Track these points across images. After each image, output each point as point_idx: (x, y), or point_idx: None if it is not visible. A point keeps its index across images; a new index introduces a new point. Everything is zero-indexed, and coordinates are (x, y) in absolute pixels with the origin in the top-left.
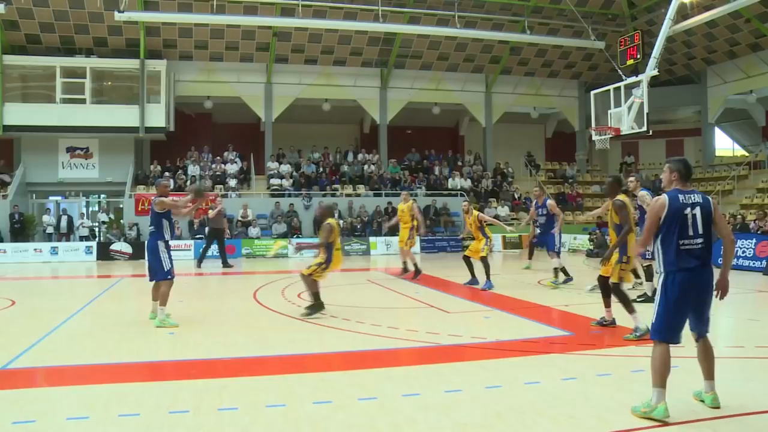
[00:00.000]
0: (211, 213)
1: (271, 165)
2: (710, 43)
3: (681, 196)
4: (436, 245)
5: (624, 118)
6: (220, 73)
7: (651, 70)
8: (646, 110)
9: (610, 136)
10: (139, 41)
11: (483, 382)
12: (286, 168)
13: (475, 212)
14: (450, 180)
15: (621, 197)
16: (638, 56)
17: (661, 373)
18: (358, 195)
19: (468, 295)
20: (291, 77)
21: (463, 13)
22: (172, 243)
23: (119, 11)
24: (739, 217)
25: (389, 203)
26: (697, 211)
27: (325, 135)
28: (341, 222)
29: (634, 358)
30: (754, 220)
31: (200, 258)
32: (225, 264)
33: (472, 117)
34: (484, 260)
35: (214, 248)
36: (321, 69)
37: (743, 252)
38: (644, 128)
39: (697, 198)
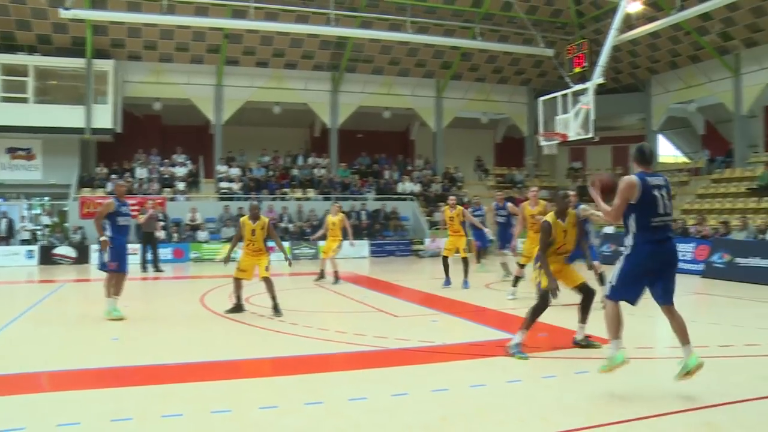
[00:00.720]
0: (142, 218)
1: (221, 168)
2: (654, 54)
3: (648, 179)
4: (385, 249)
5: (571, 125)
6: (170, 74)
7: (597, 78)
8: (592, 117)
9: (558, 141)
10: (85, 40)
11: (429, 385)
12: (235, 171)
13: (461, 207)
14: (400, 184)
15: (550, 218)
16: (585, 64)
17: (615, 327)
18: (308, 199)
19: (416, 299)
20: (242, 80)
21: (415, 18)
22: None
23: (64, 8)
24: (680, 222)
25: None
26: (663, 191)
27: (276, 138)
28: (291, 226)
29: (578, 360)
30: (694, 225)
31: (142, 263)
32: (156, 268)
33: (422, 122)
34: (465, 261)
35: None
36: (272, 72)
37: (683, 255)
38: (591, 134)
39: (660, 181)
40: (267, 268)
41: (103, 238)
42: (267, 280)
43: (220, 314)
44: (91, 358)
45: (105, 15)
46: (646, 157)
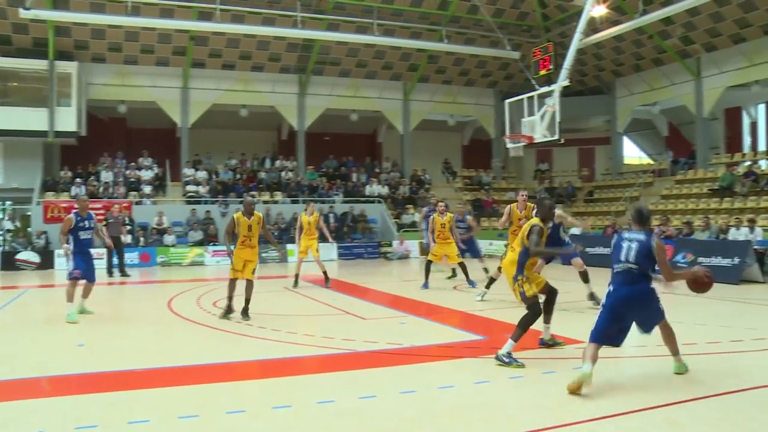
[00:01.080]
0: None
1: (187, 171)
2: (618, 57)
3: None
4: (353, 252)
5: (537, 127)
6: (135, 76)
7: (563, 80)
8: (558, 119)
9: (524, 143)
10: (47, 41)
11: (398, 387)
12: (202, 174)
13: (451, 215)
14: (367, 187)
15: (538, 221)
16: (551, 67)
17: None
18: (276, 202)
19: (384, 301)
20: (208, 82)
21: (382, 21)
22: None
23: (24, 8)
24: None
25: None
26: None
27: (243, 141)
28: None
29: (545, 360)
30: (658, 226)
31: (108, 268)
32: (123, 273)
33: (389, 124)
34: (463, 265)
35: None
36: (239, 74)
37: None
38: (556, 136)
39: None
40: (254, 271)
41: (64, 248)
42: (250, 283)
43: (188, 318)
44: (56, 364)
45: (67, 16)
46: (643, 219)
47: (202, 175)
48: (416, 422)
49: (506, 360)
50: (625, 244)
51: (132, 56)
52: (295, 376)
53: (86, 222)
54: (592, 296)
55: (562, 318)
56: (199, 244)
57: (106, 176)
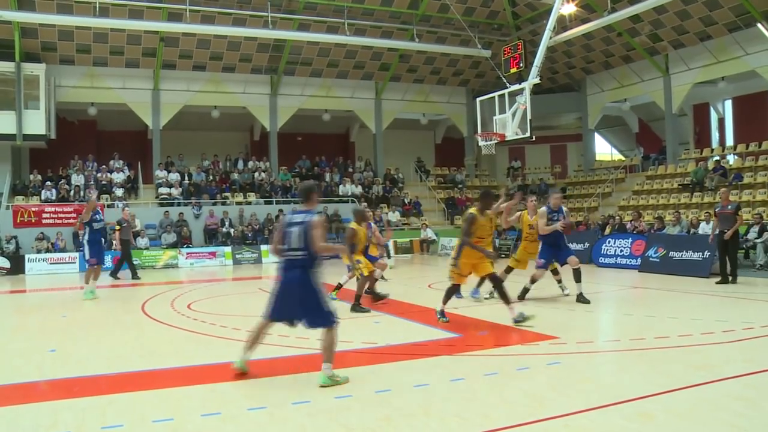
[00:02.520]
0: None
1: (160, 173)
2: (588, 54)
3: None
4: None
5: (509, 125)
6: (105, 78)
7: (533, 78)
8: (529, 116)
9: (496, 141)
10: (13, 42)
11: (373, 386)
12: (174, 176)
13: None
14: (341, 186)
15: (473, 210)
16: (521, 65)
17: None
18: (249, 203)
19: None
20: (179, 84)
21: (353, 20)
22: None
23: None
24: (617, 218)
25: (280, 210)
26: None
27: (215, 142)
28: (232, 230)
29: (519, 357)
30: (630, 221)
31: (132, 271)
32: (134, 275)
33: (362, 123)
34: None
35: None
36: (210, 75)
37: (621, 251)
38: (528, 134)
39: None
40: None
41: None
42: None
43: (162, 321)
44: (26, 371)
45: (33, 17)
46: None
47: (174, 177)
48: (392, 421)
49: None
50: (289, 229)
51: (101, 58)
52: (270, 377)
53: (98, 215)
54: (581, 297)
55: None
56: (173, 246)
57: (77, 179)
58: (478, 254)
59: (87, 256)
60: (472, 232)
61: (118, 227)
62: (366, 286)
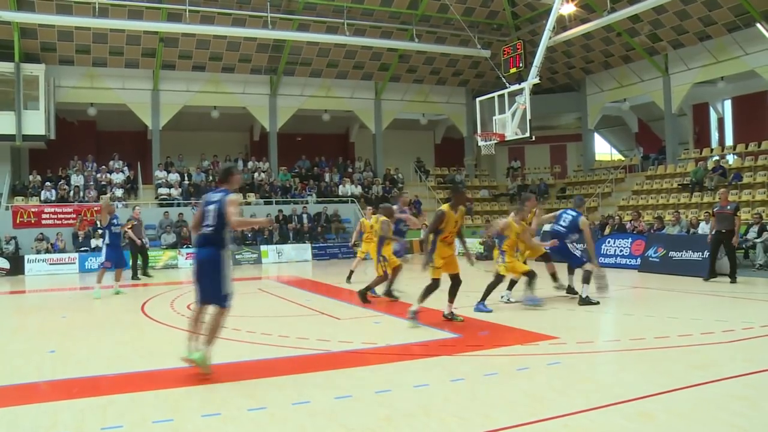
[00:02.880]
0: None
1: (159, 174)
2: (587, 54)
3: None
4: (327, 252)
5: (508, 125)
6: (104, 79)
7: (533, 78)
8: (529, 116)
9: (495, 141)
10: (13, 43)
11: (373, 386)
12: (174, 177)
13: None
14: (341, 186)
15: (445, 208)
16: (521, 65)
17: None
18: (249, 203)
19: (358, 301)
20: (178, 84)
21: (352, 20)
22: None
23: None
24: (617, 218)
25: (280, 211)
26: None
27: (215, 143)
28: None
29: (519, 357)
30: (630, 221)
31: (133, 271)
32: (145, 273)
33: (362, 124)
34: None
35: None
36: (209, 76)
37: (621, 251)
38: (527, 134)
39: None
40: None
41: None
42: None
43: (162, 322)
44: (26, 372)
45: (32, 17)
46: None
47: (174, 177)
48: (392, 421)
49: (409, 316)
50: (206, 207)
51: (101, 58)
52: (271, 377)
53: (115, 219)
54: (571, 289)
55: (535, 314)
56: (173, 246)
57: (77, 180)
58: (450, 250)
59: (103, 258)
60: (440, 229)
61: (130, 226)
62: (385, 282)
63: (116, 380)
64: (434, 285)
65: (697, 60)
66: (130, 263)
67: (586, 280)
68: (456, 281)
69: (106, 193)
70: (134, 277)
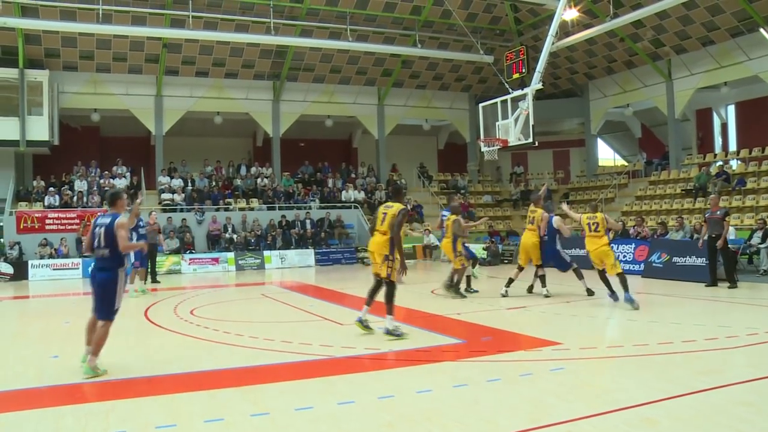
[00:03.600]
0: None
1: (163, 179)
2: (590, 59)
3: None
4: (330, 257)
5: (511, 130)
6: (108, 84)
7: (536, 83)
8: (531, 122)
9: (498, 147)
10: (17, 49)
11: (375, 392)
12: (177, 182)
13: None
14: (344, 192)
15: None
16: (524, 70)
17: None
18: (252, 209)
19: (361, 307)
20: (182, 90)
21: (355, 26)
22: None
23: None
24: (620, 223)
25: (283, 216)
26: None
27: (218, 148)
28: (235, 236)
29: (522, 363)
30: (633, 226)
31: (144, 276)
32: (154, 279)
33: (365, 129)
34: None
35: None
36: (212, 81)
37: (624, 256)
38: (530, 140)
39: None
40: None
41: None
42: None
43: (165, 327)
44: (28, 378)
45: (36, 24)
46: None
47: (177, 182)
48: (394, 427)
49: (397, 333)
50: (96, 230)
51: (104, 64)
52: (273, 383)
53: (140, 221)
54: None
55: (538, 319)
56: (176, 252)
57: (80, 185)
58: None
59: (132, 260)
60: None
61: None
62: (456, 278)
63: (119, 385)
64: (389, 285)
65: (701, 65)
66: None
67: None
68: (379, 285)
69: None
70: (145, 281)
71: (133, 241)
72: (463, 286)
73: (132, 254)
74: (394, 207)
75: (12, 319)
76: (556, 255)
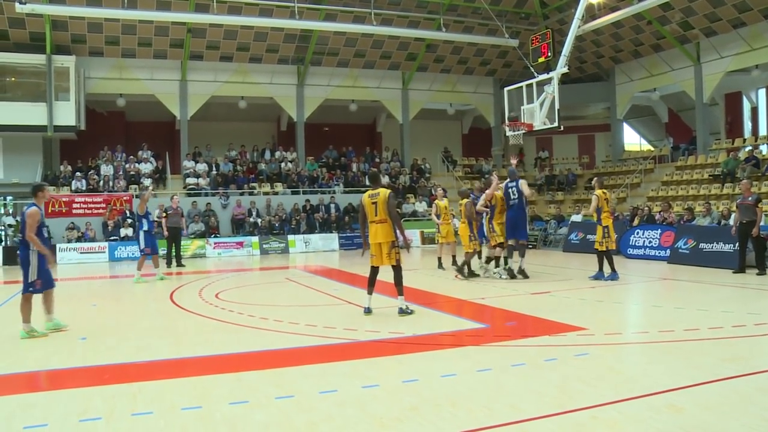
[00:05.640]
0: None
1: (187, 164)
2: (617, 43)
3: None
4: (354, 242)
5: (536, 114)
6: (133, 70)
7: (561, 67)
8: (557, 106)
9: (524, 131)
10: (44, 35)
11: (400, 376)
12: (202, 167)
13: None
14: (368, 176)
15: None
16: (549, 54)
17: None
18: (276, 193)
19: (385, 291)
20: (206, 74)
21: (379, 10)
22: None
23: (21, 3)
24: (646, 208)
25: (307, 200)
26: None
27: (242, 133)
28: (259, 220)
29: (547, 348)
30: (659, 212)
31: (168, 259)
32: (179, 263)
33: (389, 113)
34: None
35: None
36: (237, 66)
37: (650, 242)
38: (555, 124)
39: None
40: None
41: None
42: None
43: (190, 310)
44: (58, 358)
45: (63, 10)
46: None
47: (202, 167)
48: (418, 410)
49: (409, 311)
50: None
51: (130, 49)
52: (298, 366)
53: (148, 212)
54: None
55: (563, 305)
56: (201, 236)
57: (106, 170)
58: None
59: (142, 245)
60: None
61: (164, 214)
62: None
63: (146, 367)
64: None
65: (731, 48)
66: (166, 251)
67: (522, 253)
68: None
69: (136, 183)
70: (169, 265)
71: (144, 227)
72: (493, 265)
73: (141, 241)
74: (382, 193)
75: (40, 302)
76: (524, 221)
